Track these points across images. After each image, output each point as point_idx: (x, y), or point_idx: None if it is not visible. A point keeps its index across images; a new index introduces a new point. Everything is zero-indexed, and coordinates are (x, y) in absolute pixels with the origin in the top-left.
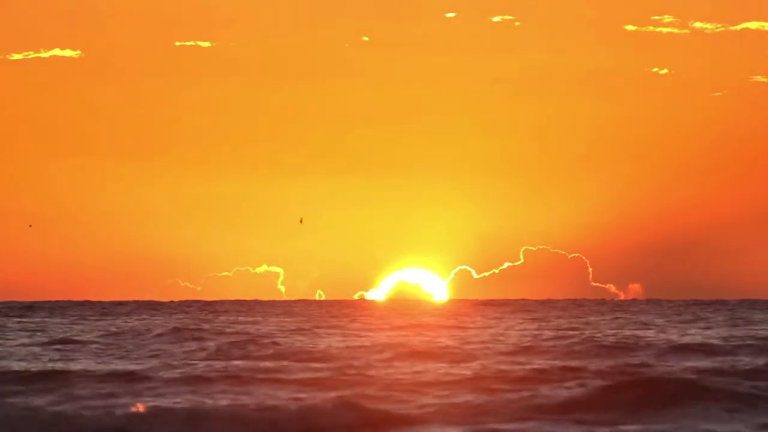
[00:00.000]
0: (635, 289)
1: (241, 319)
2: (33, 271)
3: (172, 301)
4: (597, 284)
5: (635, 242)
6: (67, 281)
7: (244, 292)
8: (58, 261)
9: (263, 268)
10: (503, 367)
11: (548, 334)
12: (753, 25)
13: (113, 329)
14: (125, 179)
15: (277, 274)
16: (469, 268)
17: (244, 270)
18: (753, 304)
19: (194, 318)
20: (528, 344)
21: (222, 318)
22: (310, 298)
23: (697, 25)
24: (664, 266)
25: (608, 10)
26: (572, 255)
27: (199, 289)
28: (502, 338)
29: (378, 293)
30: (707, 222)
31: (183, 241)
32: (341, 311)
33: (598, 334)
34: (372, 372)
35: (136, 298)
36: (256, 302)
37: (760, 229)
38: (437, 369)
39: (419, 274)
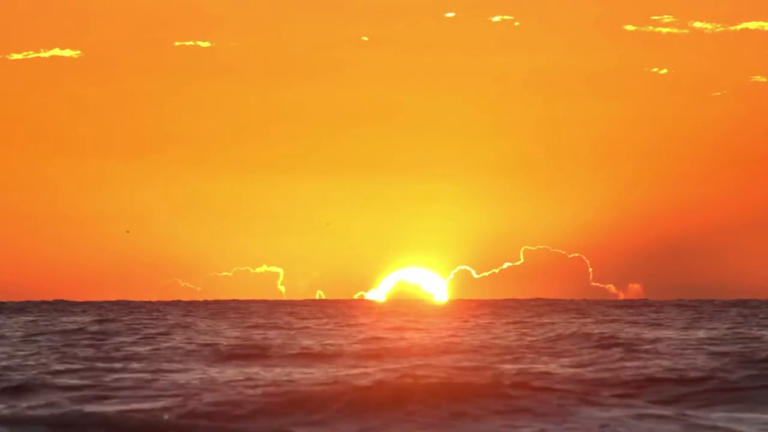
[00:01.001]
0: (635, 290)
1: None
2: (29, 271)
3: (158, 301)
4: (597, 284)
5: (635, 242)
6: (65, 282)
7: (244, 292)
8: (55, 261)
9: (263, 268)
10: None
11: (459, 334)
12: (752, 25)
13: None
14: (126, 179)
15: (277, 274)
16: (469, 268)
17: (244, 270)
18: (743, 304)
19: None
20: (397, 346)
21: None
22: (311, 297)
23: (697, 25)
24: (664, 266)
25: (608, 10)
26: (572, 255)
27: (199, 289)
28: (401, 339)
29: (378, 293)
30: (707, 222)
31: (183, 241)
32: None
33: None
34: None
35: (136, 299)
36: (254, 302)
37: (761, 230)
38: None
39: (419, 274)
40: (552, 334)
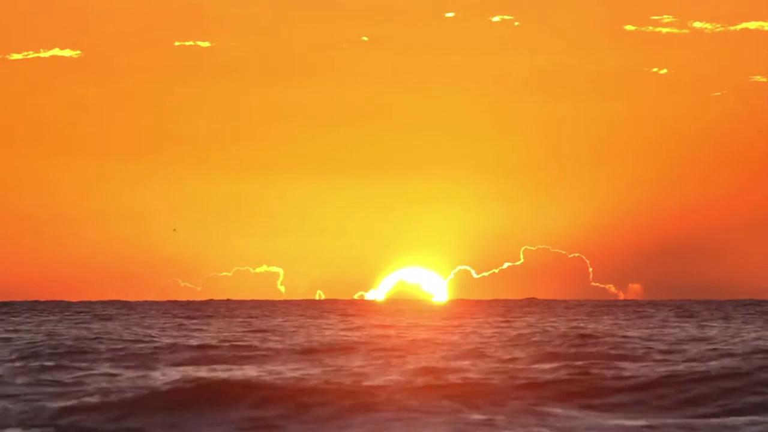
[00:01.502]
0: (635, 290)
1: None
2: (29, 271)
3: (144, 301)
4: (597, 284)
5: (635, 243)
6: (66, 282)
7: (244, 292)
8: (55, 261)
9: (263, 268)
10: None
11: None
12: (752, 25)
13: None
14: (126, 179)
15: (276, 274)
16: (468, 268)
17: (244, 270)
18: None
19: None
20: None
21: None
22: (310, 298)
23: (697, 25)
24: (664, 267)
25: (608, 10)
26: (572, 255)
27: (199, 289)
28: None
29: (378, 293)
30: (707, 222)
31: (183, 241)
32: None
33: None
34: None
35: (135, 299)
36: (249, 302)
37: (760, 229)
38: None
39: (419, 274)
40: (518, 333)
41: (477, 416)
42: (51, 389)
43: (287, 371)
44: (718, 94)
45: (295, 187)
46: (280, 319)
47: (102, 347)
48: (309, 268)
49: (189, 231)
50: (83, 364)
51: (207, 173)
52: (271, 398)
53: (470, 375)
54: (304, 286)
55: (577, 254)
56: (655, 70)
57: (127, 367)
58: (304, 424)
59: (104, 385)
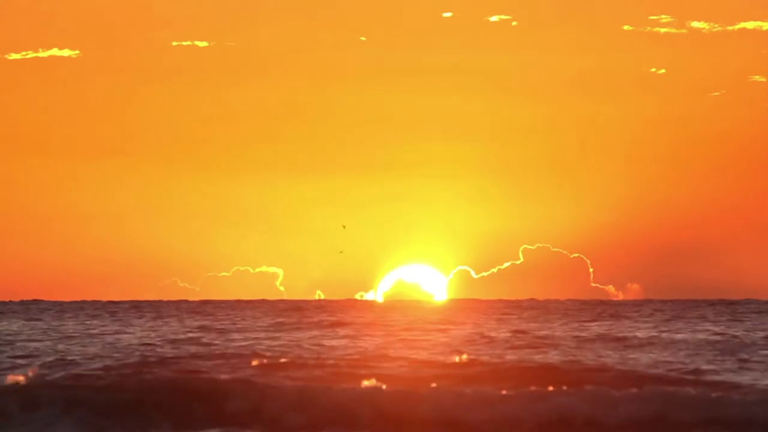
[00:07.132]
0: (635, 290)
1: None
2: (31, 270)
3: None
4: (597, 285)
5: (635, 242)
6: (67, 281)
7: (243, 292)
8: (57, 260)
9: (262, 269)
10: None
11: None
12: (750, 24)
13: None
14: (125, 178)
15: (276, 275)
16: (468, 268)
17: (243, 270)
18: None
19: None
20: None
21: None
22: (310, 298)
23: (695, 24)
24: (664, 267)
25: (605, 10)
26: (573, 255)
27: (197, 289)
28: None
29: (377, 293)
30: (706, 222)
31: (182, 240)
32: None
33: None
34: None
35: (135, 298)
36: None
37: (760, 229)
38: None
39: (419, 274)
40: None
41: None
42: None
43: None
44: (717, 94)
45: (295, 187)
46: None
47: None
48: (308, 269)
49: (189, 231)
50: None
51: (207, 174)
52: None
53: None
54: (304, 287)
55: (578, 254)
56: (653, 70)
57: None
58: None
59: None
